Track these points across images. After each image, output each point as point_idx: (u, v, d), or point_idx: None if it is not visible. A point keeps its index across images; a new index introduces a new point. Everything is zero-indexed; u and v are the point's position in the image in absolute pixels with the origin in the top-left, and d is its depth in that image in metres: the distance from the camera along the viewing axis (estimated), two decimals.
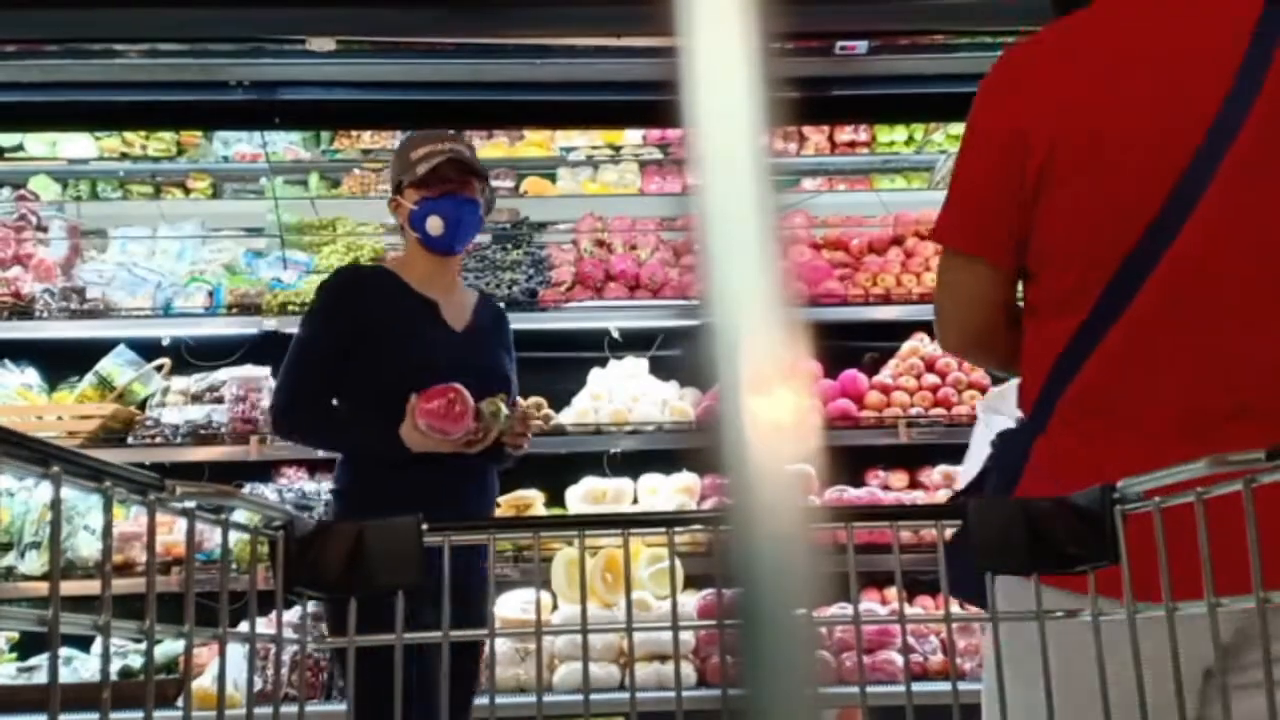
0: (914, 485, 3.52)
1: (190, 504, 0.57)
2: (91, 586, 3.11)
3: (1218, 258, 1.06)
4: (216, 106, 3.45)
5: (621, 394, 3.51)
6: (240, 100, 3.38)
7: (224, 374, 3.51)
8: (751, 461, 0.37)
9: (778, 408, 0.37)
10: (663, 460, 3.41)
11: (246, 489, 3.24)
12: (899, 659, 2.94)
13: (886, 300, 3.61)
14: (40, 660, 3.19)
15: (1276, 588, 0.63)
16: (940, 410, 3.48)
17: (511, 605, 3.02)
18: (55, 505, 0.50)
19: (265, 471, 3.43)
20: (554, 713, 2.86)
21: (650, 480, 3.37)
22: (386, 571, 0.68)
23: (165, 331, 3.62)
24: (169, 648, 2.97)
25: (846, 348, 3.67)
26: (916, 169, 4.57)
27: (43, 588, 3.14)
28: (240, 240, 4.02)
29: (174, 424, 3.36)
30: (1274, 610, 0.63)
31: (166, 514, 0.57)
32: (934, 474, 3.47)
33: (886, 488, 3.50)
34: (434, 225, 2.22)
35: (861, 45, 3.15)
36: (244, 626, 0.67)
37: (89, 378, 3.50)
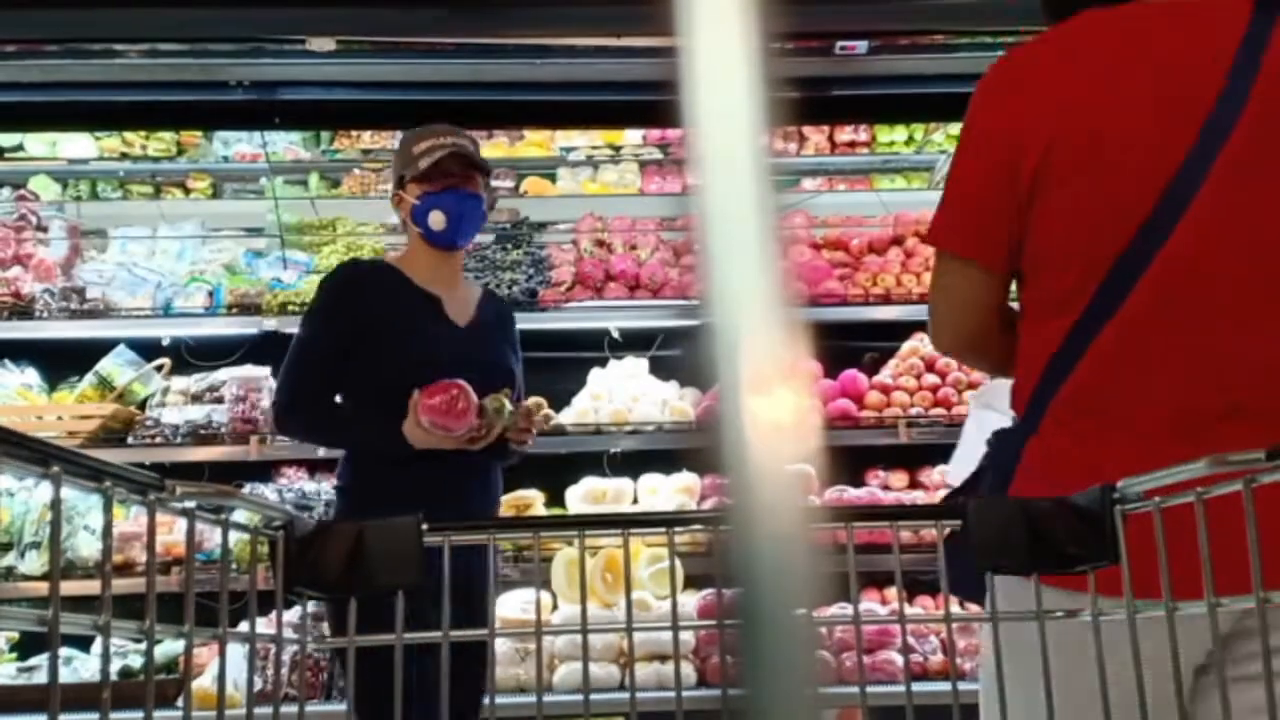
0: (914, 485, 3.52)
1: (190, 504, 0.57)
2: (91, 586, 3.11)
3: (1210, 257, 1.06)
4: (216, 106, 3.45)
5: (621, 394, 3.51)
6: (240, 100, 3.38)
7: (224, 374, 3.51)
8: (751, 461, 0.37)
9: (778, 408, 0.37)
10: (663, 460, 3.41)
11: (246, 489, 3.24)
12: (899, 659, 2.94)
13: (886, 300, 3.61)
14: (40, 660, 3.19)
15: (1273, 587, 0.63)
16: (940, 410, 3.48)
17: (511, 605, 3.02)
18: (55, 505, 0.50)
19: (265, 471, 3.43)
20: (554, 713, 2.86)
21: (650, 480, 3.37)
22: (386, 571, 0.68)
23: (165, 331, 3.62)
24: (169, 648, 2.97)
25: (846, 348, 3.67)
26: (916, 169, 4.57)
27: (43, 588, 3.14)
28: (240, 240, 4.02)
29: (174, 424, 3.36)
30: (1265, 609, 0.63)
31: (166, 514, 0.57)
32: (934, 474, 3.47)
33: (886, 488, 3.50)
34: (436, 220, 2.20)
35: (861, 45, 3.15)
36: (244, 626, 0.67)
37: (89, 378, 3.50)
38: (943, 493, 3.38)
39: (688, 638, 2.83)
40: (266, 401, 3.37)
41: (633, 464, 3.44)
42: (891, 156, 4.49)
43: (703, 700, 2.67)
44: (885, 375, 3.60)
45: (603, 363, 3.68)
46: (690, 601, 3.00)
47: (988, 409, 2.57)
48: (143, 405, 3.50)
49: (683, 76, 0.39)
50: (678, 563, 2.89)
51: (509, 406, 2.13)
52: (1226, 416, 1.06)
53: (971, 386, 3.49)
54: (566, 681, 2.92)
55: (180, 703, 2.87)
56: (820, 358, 3.55)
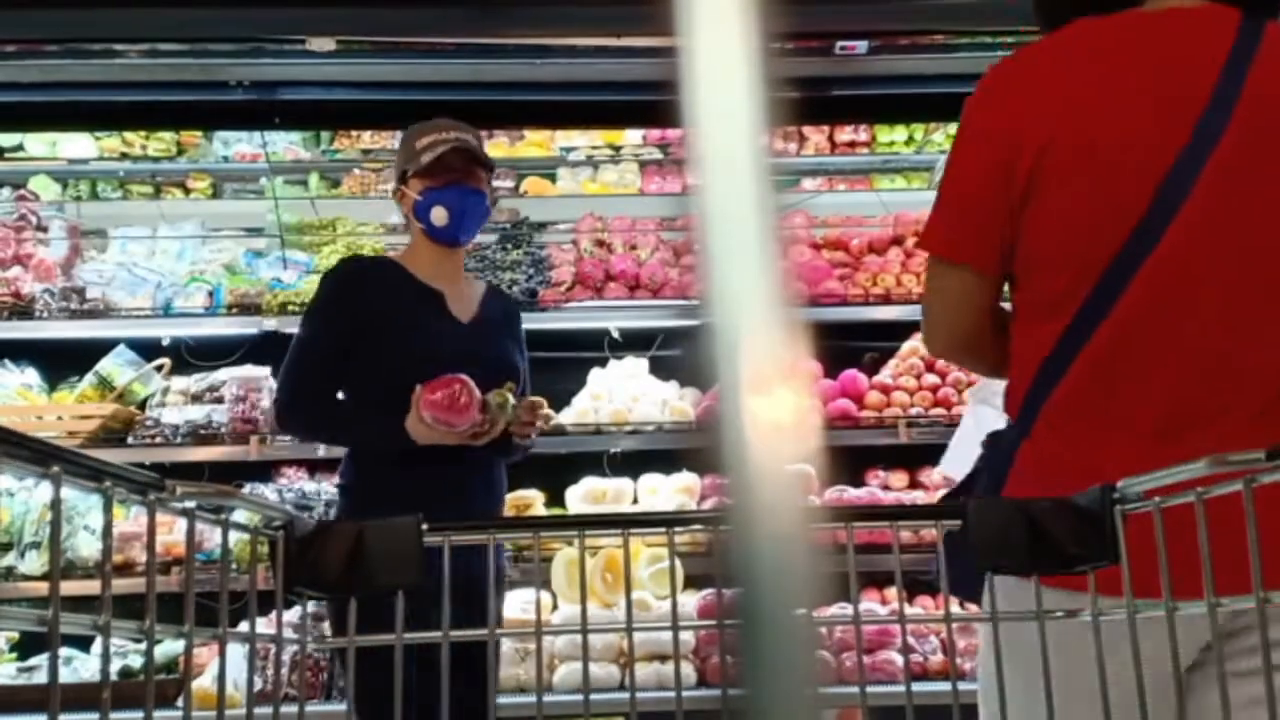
0: (914, 485, 3.52)
1: (190, 504, 0.57)
2: (91, 586, 3.11)
3: (1200, 261, 1.08)
4: (216, 106, 3.45)
5: (621, 394, 3.51)
6: (240, 100, 3.38)
7: (224, 374, 3.50)
8: (752, 461, 0.37)
9: (778, 408, 0.37)
10: (663, 460, 3.41)
11: (246, 489, 3.24)
12: (899, 659, 2.94)
13: (886, 300, 3.60)
14: (40, 660, 3.19)
15: (1270, 587, 0.63)
16: (940, 410, 3.48)
17: (511, 605, 3.02)
18: (55, 505, 0.50)
19: (265, 471, 3.43)
20: (554, 713, 2.86)
21: (650, 480, 3.37)
22: (386, 571, 0.68)
23: (165, 331, 3.62)
24: (169, 648, 2.97)
25: (846, 348, 3.67)
26: (916, 169, 4.57)
27: (43, 588, 3.14)
28: (240, 240, 4.02)
29: (174, 424, 3.36)
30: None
31: (166, 514, 0.57)
32: (934, 474, 3.47)
33: (886, 488, 3.50)
34: (438, 216, 2.18)
35: (861, 45, 3.15)
36: (244, 626, 0.67)
37: (89, 378, 3.50)
38: (943, 493, 3.38)
39: (688, 638, 2.83)
40: (266, 401, 3.37)
41: (633, 464, 3.44)
42: (891, 156, 4.49)
43: (703, 700, 2.67)
44: (885, 375, 3.60)
45: (603, 363, 3.68)
46: (690, 601, 3.00)
47: (985, 404, 2.57)
48: (142, 405, 3.49)
49: (683, 76, 0.39)
50: (678, 563, 2.89)
51: (512, 401, 2.11)
52: (1216, 418, 1.08)
53: (971, 386, 3.49)
54: (566, 681, 2.92)
55: (180, 703, 2.87)
56: (820, 358, 3.55)
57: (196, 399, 3.46)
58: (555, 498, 3.35)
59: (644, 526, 0.73)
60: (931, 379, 3.54)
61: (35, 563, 3.19)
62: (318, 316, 2.20)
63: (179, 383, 3.53)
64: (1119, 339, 1.10)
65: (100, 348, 3.54)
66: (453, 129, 2.22)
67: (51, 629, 0.48)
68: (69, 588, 3.09)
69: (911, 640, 3.06)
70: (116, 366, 3.51)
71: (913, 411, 3.48)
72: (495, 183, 3.72)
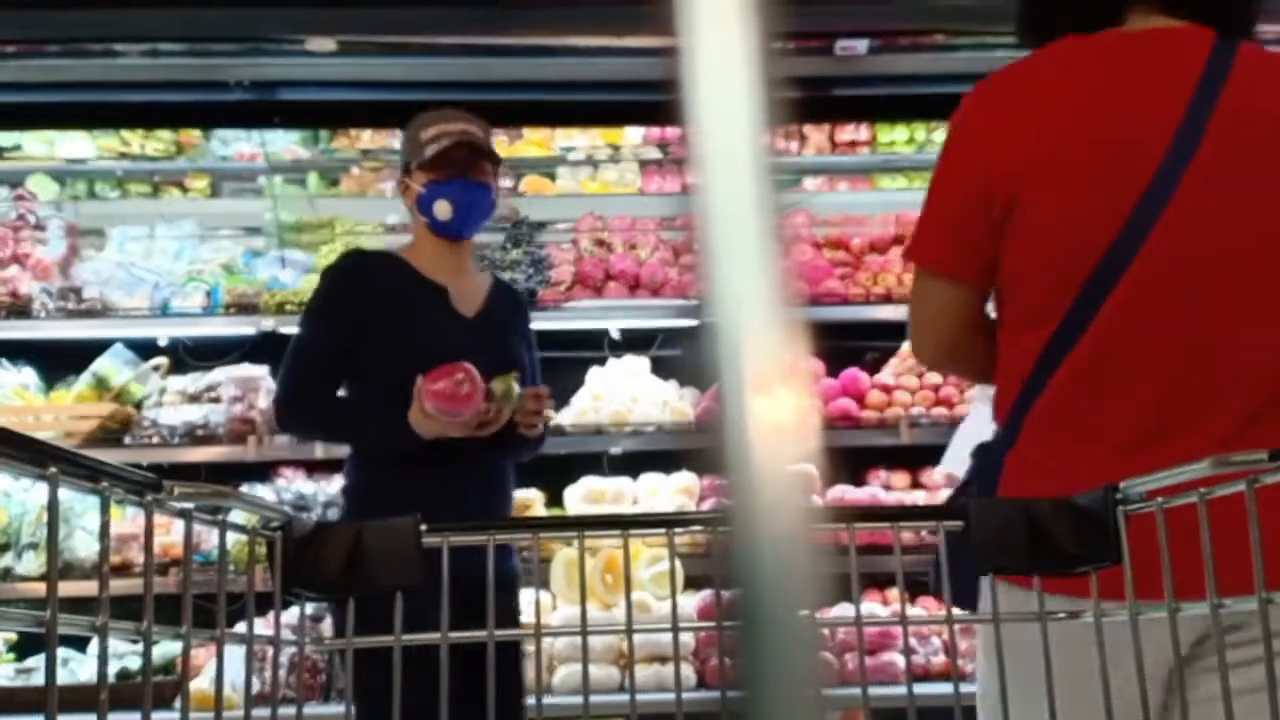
0: (916, 485, 3.51)
1: (187, 505, 0.57)
2: (89, 588, 3.11)
3: (1178, 270, 1.12)
4: (215, 106, 3.45)
5: (621, 394, 3.51)
6: (239, 100, 3.38)
7: (221, 374, 3.50)
8: (752, 461, 0.36)
9: (778, 407, 0.37)
10: (663, 460, 3.40)
11: (244, 489, 3.23)
12: (901, 660, 2.93)
13: (888, 300, 3.60)
14: (38, 661, 3.19)
15: (1268, 589, 0.63)
16: (942, 410, 3.48)
17: None
18: (52, 506, 0.50)
19: (263, 472, 3.43)
20: (553, 714, 2.86)
21: (650, 480, 3.36)
22: (386, 572, 0.67)
23: (163, 331, 3.62)
24: (167, 649, 2.97)
25: (847, 347, 3.67)
26: (917, 168, 4.57)
27: (40, 589, 3.14)
28: (238, 240, 4.02)
29: (171, 424, 3.36)
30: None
31: (164, 515, 0.57)
32: (936, 474, 3.46)
33: (888, 488, 3.49)
34: (442, 210, 2.15)
35: (862, 45, 3.15)
36: (242, 628, 0.67)
37: (85, 377, 3.50)
38: (944, 493, 3.39)
39: (688, 639, 2.83)
40: (264, 402, 3.37)
41: (632, 464, 3.44)
42: (892, 156, 4.49)
43: (703, 702, 2.67)
44: (887, 375, 3.59)
45: (602, 362, 3.68)
46: (690, 603, 3.00)
47: (988, 403, 2.57)
48: (139, 405, 3.49)
49: (683, 76, 0.38)
50: (678, 564, 2.89)
51: (517, 389, 2.06)
52: (1197, 425, 1.11)
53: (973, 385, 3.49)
54: (566, 683, 2.92)
55: (178, 704, 2.87)
56: (821, 357, 3.54)
57: (194, 399, 3.46)
58: (555, 498, 3.35)
59: (644, 527, 0.73)
60: (933, 378, 3.54)
61: (33, 564, 3.19)
62: (318, 313, 2.17)
63: (176, 383, 3.53)
64: (1100, 349, 1.13)
65: (98, 348, 3.54)
66: (459, 120, 2.17)
67: (49, 630, 0.47)
68: (66, 589, 3.08)
69: (913, 642, 3.06)
70: (113, 366, 3.51)
71: (914, 411, 3.48)
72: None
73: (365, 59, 3.25)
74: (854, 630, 0.69)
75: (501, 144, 4.52)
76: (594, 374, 3.62)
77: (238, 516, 0.64)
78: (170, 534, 3.00)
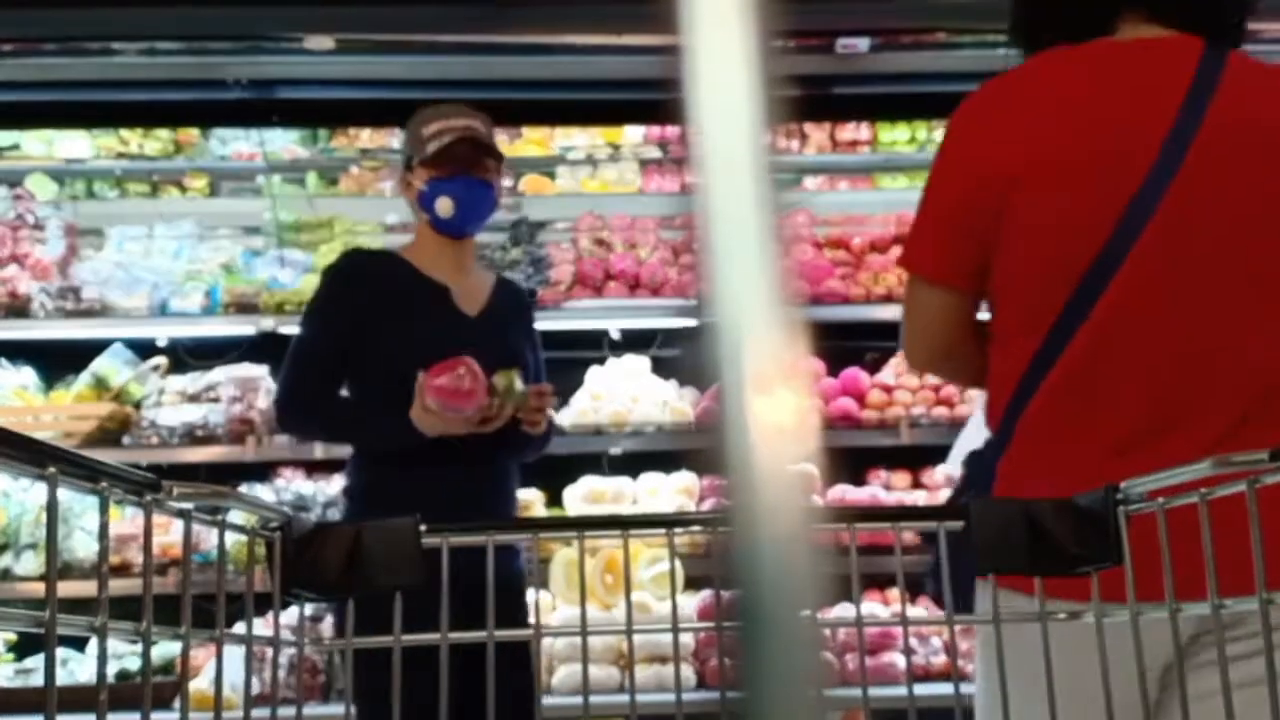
0: (916, 485, 3.51)
1: (186, 505, 0.57)
2: (88, 588, 3.10)
3: (1168, 273, 1.14)
4: (214, 105, 3.45)
5: (621, 394, 3.51)
6: (238, 98, 3.37)
7: (220, 374, 3.50)
8: (753, 462, 0.36)
9: (779, 408, 0.36)
10: (663, 460, 3.40)
11: (243, 490, 3.23)
12: (901, 661, 2.93)
13: (888, 299, 3.60)
14: (36, 662, 3.19)
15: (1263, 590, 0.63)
16: (943, 410, 3.48)
17: None
18: (51, 506, 0.50)
19: (262, 472, 3.42)
20: (553, 715, 2.86)
21: (650, 480, 3.36)
22: (385, 572, 0.67)
23: (162, 331, 3.62)
24: (166, 650, 2.97)
25: (848, 347, 3.66)
26: (918, 168, 4.56)
27: (39, 589, 3.14)
28: (237, 239, 4.02)
29: (170, 425, 3.36)
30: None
31: (163, 515, 0.57)
32: (936, 474, 3.46)
33: (889, 488, 3.49)
34: (443, 207, 2.12)
35: (863, 43, 3.15)
36: (241, 628, 0.67)
37: (84, 377, 3.49)
38: (945, 493, 3.39)
39: (688, 640, 2.83)
40: (263, 402, 3.37)
41: (632, 464, 3.43)
42: (893, 155, 4.49)
43: (703, 703, 2.67)
44: (887, 374, 3.59)
45: (602, 362, 3.68)
46: (690, 603, 3.00)
47: None
48: (138, 405, 3.49)
49: (683, 74, 0.38)
50: (678, 564, 2.89)
51: (520, 385, 2.04)
52: (1187, 427, 1.12)
53: None
54: (566, 683, 2.92)
55: (177, 705, 2.86)
56: (822, 357, 3.54)
57: (193, 399, 3.45)
58: (554, 498, 3.35)
59: (644, 528, 0.73)
60: (934, 378, 3.54)
61: (32, 564, 3.18)
62: (318, 313, 2.16)
63: (175, 382, 3.53)
64: (1091, 351, 1.15)
65: (97, 348, 3.54)
66: (461, 116, 2.15)
67: (48, 630, 0.47)
68: (65, 589, 3.07)
69: (914, 642, 3.05)
70: (112, 366, 3.51)
71: (915, 411, 3.48)
72: None
73: (364, 57, 3.25)
74: (854, 630, 0.69)
75: (501, 143, 4.51)
76: (594, 374, 3.62)
77: (237, 517, 0.64)
78: (169, 534, 3.00)
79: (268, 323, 3.47)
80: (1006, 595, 0.99)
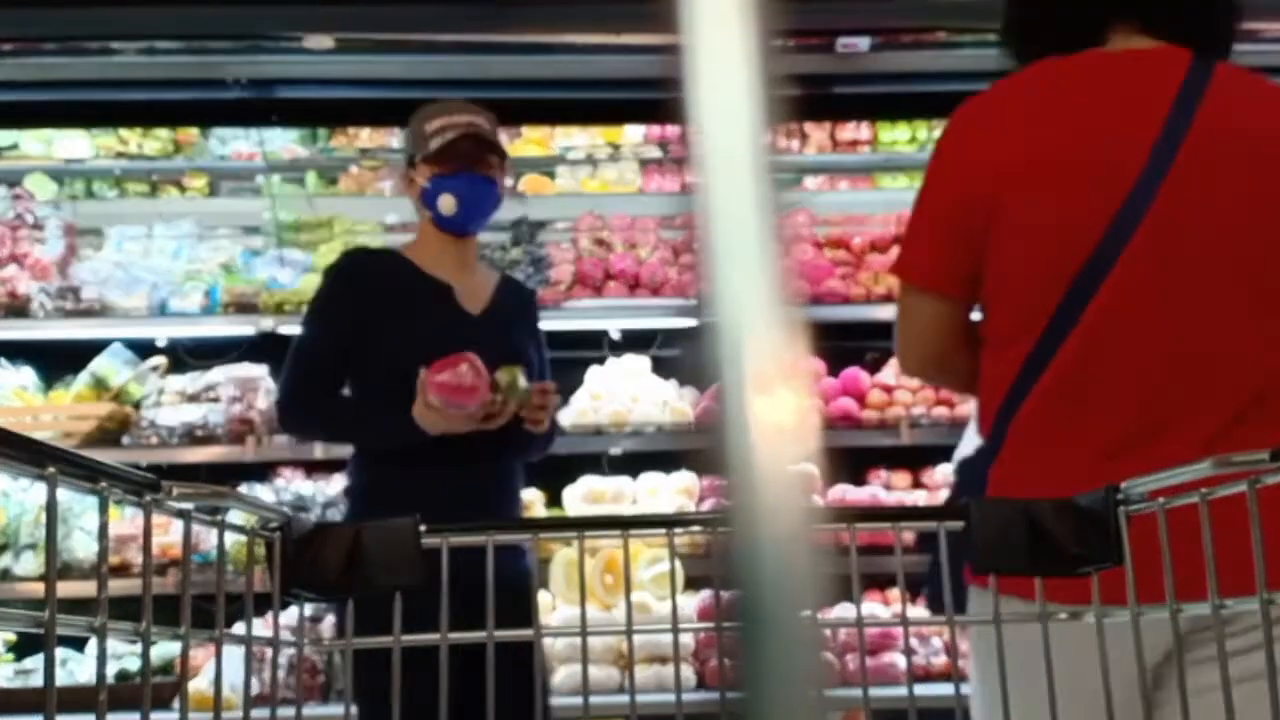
0: (917, 485, 3.51)
1: (186, 505, 0.57)
2: (87, 588, 3.09)
3: (1157, 277, 1.15)
4: (213, 104, 3.45)
5: (621, 394, 3.51)
6: (237, 98, 3.37)
7: (220, 374, 3.50)
8: (753, 462, 0.36)
9: (779, 408, 0.36)
10: (663, 460, 3.40)
11: (243, 490, 3.23)
12: (902, 661, 2.93)
13: (889, 299, 3.60)
14: (36, 662, 3.18)
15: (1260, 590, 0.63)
16: (943, 410, 3.48)
17: None
18: (51, 506, 0.50)
19: (262, 472, 3.42)
20: (553, 715, 2.85)
21: (650, 480, 3.36)
22: (385, 572, 0.67)
23: (161, 331, 3.61)
24: (165, 650, 2.97)
25: (848, 347, 3.66)
26: (919, 167, 4.55)
27: (38, 589, 3.14)
28: (237, 239, 4.02)
29: (170, 425, 3.36)
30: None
31: (163, 515, 0.57)
32: (937, 474, 3.46)
33: (889, 488, 3.49)
34: (446, 204, 2.10)
35: (863, 42, 3.15)
36: (240, 628, 0.67)
37: (83, 377, 3.49)
38: (945, 493, 3.39)
39: (688, 640, 2.83)
40: (263, 402, 3.36)
41: (632, 464, 3.43)
42: (894, 155, 4.49)
43: (703, 703, 2.67)
44: (887, 374, 3.59)
45: (602, 362, 3.68)
46: (690, 603, 3.00)
47: None
48: (138, 405, 3.49)
49: (683, 74, 0.38)
50: (678, 564, 2.88)
51: (523, 381, 2.02)
52: (1175, 428, 1.13)
53: None
54: (566, 684, 2.92)
55: (176, 705, 2.86)
56: (822, 357, 3.54)
57: (193, 399, 3.45)
58: (554, 498, 3.35)
59: (644, 528, 0.73)
60: None
61: (31, 564, 3.18)
62: (319, 313, 2.15)
63: (175, 382, 3.53)
64: (1083, 354, 1.16)
65: (96, 348, 3.54)
66: (464, 112, 2.13)
67: (47, 631, 0.47)
68: (65, 589, 3.06)
69: (914, 642, 3.06)
70: (112, 366, 3.50)
71: (915, 411, 3.48)
72: None
73: (363, 56, 3.24)
74: (855, 631, 0.69)
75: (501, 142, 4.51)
76: (594, 374, 3.62)
77: (236, 517, 0.64)
78: (169, 534, 2.99)
79: (267, 323, 3.47)
80: (1008, 600, 0.99)
